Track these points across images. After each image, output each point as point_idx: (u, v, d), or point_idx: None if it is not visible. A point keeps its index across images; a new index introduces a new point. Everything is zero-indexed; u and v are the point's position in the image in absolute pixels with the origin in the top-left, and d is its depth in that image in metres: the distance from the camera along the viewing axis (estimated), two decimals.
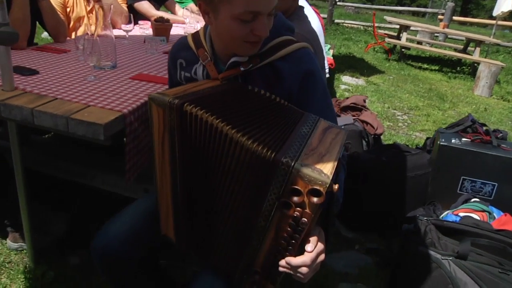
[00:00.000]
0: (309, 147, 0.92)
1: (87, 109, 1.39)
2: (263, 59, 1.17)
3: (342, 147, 0.96)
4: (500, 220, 1.98)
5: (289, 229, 0.91)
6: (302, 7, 1.81)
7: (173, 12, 3.89)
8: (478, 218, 2.02)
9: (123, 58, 2.10)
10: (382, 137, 3.30)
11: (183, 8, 3.95)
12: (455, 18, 11.86)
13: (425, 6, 24.85)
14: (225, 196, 1.01)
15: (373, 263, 2.10)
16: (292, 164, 0.85)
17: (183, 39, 1.30)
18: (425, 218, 1.88)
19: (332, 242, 2.26)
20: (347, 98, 3.52)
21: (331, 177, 0.83)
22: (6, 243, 2.01)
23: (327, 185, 0.83)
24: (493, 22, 8.69)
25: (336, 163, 0.88)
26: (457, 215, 2.07)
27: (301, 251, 0.94)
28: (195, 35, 1.26)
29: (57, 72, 1.77)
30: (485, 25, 16.09)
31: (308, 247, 0.93)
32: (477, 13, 28.37)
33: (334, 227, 2.34)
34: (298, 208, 0.87)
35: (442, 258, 1.68)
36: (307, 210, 0.86)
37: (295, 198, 0.87)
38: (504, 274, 1.62)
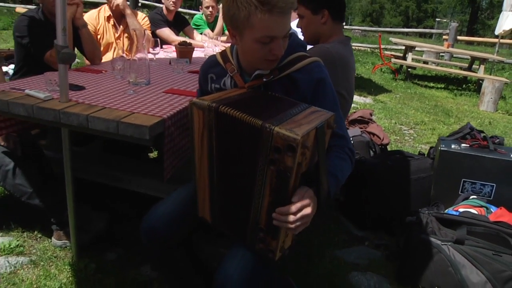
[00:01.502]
0: (293, 119, 1.17)
1: (133, 115, 1.66)
2: (282, 72, 1.43)
3: (324, 121, 1.20)
4: (496, 213, 2.18)
5: (277, 182, 1.14)
6: (348, 38, 2.08)
7: (191, 37, 4.21)
8: (476, 213, 2.22)
9: (154, 77, 2.38)
10: (388, 147, 3.52)
11: (200, 33, 4.29)
12: (459, 37, 12.15)
13: (432, 28, 25.23)
14: (244, 174, 1.24)
15: (381, 256, 2.30)
16: (273, 127, 1.10)
17: (212, 57, 1.58)
18: (427, 211, 2.09)
19: (344, 239, 2.47)
20: (354, 112, 3.76)
21: (301, 135, 1.07)
22: (51, 241, 2.26)
23: (298, 141, 1.06)
24: (497, 40, 8.95)
25: (312, 129, 1.12)
26: (457, 210, 2.27)
27: None
28: (223, 53, 1.54)
29: (100, 88, 2.05)
30: (492, 44, 16.35)
31: (294, 198, 1.16)
32: (483, 33, 28.73)
33: (330, 209, 2.56)
34: (282, 164, 1.11)
35: (442, 243, 1.89)
36: (288, 164, 1.10)
37: (277, 155, 1.11)
38: (497, 256, 1.82)
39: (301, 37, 1.98)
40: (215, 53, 1.57)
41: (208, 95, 1.37)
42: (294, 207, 1.16)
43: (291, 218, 1.16)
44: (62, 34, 1.66)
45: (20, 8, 9.65)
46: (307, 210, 1.18)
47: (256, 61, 1.39)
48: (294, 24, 2.20)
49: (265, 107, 1.31)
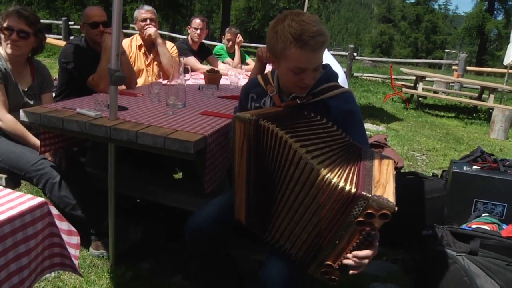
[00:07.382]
0: (375, 179, 1.30)
1: (177, 132, 1.86)
2: (316, 96, 1.61)
3: (394, 174, 1.36)
4: (507, 230, 2.31)
5: (361, 237, 1.28)
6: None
7: (214, 66, 4.47)
8: (489, 229, 2.35)
9: (187, 101, 2.59)
10: (401, 171, 3.67)
11: (222, 62, 4.55)
12: (469, 68, 12.37)
13: (441, 59, 25.58)
14: (286, 193, 1.39)
15: (399, 270, 2.43)
16: (370, 196, 1.22)
17: (254, 79, 1.79)
18: (441, 226, 2.23)
19: None
20: (370, 137, 3.94)
21: (394, 202, 1.21)
22: (89, 251, 2.42)
23: (394, 209, 1.20)
24: (506, 71, 9.14)
25: (394, 190, 1.26)
26: (470, 227, 2.40)
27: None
28: (264, 76, 1.75)
29: (141, 109, 2.26)
30: (501, 75, 16.54)
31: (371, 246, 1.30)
32: (492, 64, 29.04)
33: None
34: (371, 226, 1.25)
35: (457, 254, 2.02)
36: (377, 225, 1.25)
37: (370, 220, 1.23)
38: (510, 266, 1.95)
39: (335, 68, 2.19)
40: (256, 76, 1.78)
41: (250, 111, 1.57)
42: (371, 254, 1.30)
43: (364, 263, 1.31)
44: (115, 59, 1.88)
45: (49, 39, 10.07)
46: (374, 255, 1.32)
47: (290, 86, 1.60)
48: (328, 55, 2.41)
49: (298, 124, 1.47)
